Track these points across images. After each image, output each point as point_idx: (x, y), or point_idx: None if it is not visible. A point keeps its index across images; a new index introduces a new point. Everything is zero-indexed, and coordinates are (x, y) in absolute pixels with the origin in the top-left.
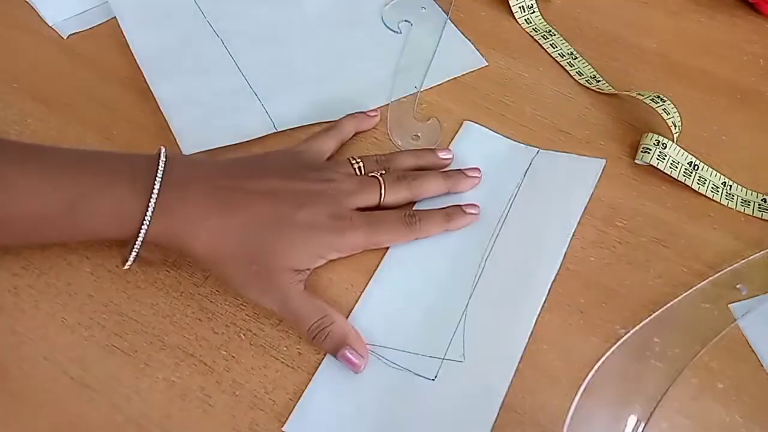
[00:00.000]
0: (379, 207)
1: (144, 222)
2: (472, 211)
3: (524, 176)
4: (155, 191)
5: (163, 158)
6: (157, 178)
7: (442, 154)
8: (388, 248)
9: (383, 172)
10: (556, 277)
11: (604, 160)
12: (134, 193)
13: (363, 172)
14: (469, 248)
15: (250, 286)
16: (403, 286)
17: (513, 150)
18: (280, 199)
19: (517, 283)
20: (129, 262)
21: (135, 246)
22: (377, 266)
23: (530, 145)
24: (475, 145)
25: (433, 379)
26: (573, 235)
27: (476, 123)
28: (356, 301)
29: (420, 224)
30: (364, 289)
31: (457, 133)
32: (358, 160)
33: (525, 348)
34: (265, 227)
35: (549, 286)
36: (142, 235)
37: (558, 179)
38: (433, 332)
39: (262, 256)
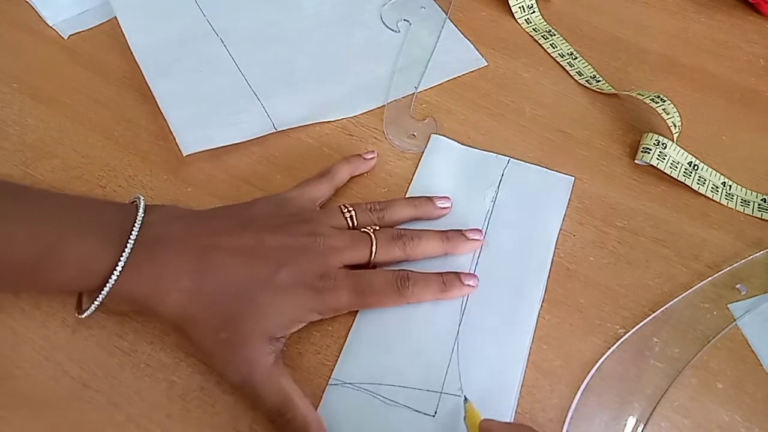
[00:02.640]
0: (369, 263)
1: (110, 279)
2: (471, 283)
3: (498, 189)
4: (127, 249)
5: (141, 213)
6: (131, 237)
7: (440, 203)
8: None
9: (377, 227)
10: (543, 299)
11: (573, 178)
12: (105, 247)
13: (355, 222)
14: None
15: (214, 354)
16: (391, 317)
17: (483, 160)
18: (260, 257)
19: (505, 306)
20: (86, 314)
21: (96, 301)
22: None
23: (500, 155)
24: (446, 159)
25: (434, 415)
26: (554, 254)
27: (444, 136)
28: (347, 335)
29: (412, 290)
30: (353, 321)
31: (426, 147)
32: (351, 209)
33: (522, 378)
34: (239, 291)
35: (538, 310)
36: (105, 291)
37: (532, 195)
38: (428, 365)
39: (232, 322)
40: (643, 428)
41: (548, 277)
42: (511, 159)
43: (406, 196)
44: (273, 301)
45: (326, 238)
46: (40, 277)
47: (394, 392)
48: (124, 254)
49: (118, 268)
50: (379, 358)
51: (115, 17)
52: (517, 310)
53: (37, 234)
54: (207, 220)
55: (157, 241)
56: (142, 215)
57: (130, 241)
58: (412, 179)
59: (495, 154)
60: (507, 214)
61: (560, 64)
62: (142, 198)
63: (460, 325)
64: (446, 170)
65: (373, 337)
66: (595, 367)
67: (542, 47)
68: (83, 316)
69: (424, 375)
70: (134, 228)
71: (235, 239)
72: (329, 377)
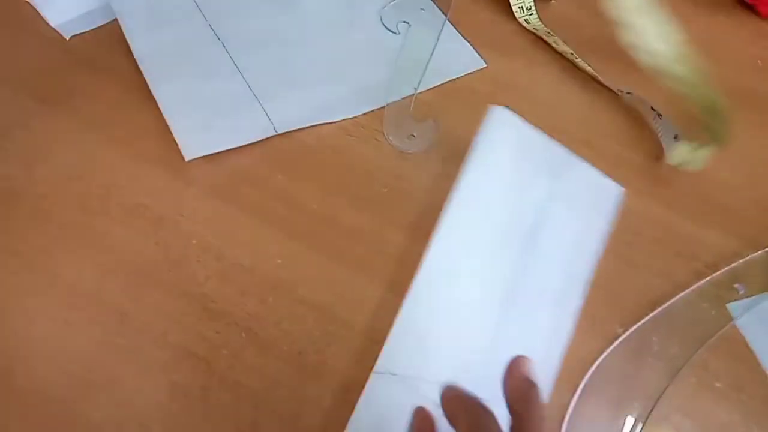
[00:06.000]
0: None
1: None
2: None
3: (554, 182)
4: None
5: None
6: None
7: None
8: (417, 270)
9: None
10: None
11: (622, 189)
12: None
13: None
14: (499, 267)
15: None
16: (435, 311)
17: (547, 149)
18: None
19: (544, 315)
20: None
21: None
22: (408, 288)
23: (563, 146)
24: (506, 136)
25: None
26: (595, 264)
27: (506, 108)
28: (390, 328)
29: None
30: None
31: (485, 117)
32: None
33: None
34: None
35: (574, 322)
36: None
37: (584, 200)
38: (468, 361)
39: None
40: (642, 427)
41: (587, 288)
42: (572, 153)
43: (464, 166)
44: None
45: None
46: None
47: (434, 389)
48: None
49: None
50: (421, 352)
51: (117, 19)
52: (556, 319)
53: None
54: None
55: None
56: None
57: None
58: (470, 150)
59: (557, 143)
60: (558, 212)
61: (567, 58)
62: None
63: (500, 323)
64: (504, 147)
65: (416, 330)
66: (594, 366)
67: (547, 42)
68: None
69: (462, 371)
70: None
71: None
72: (367, 373)
